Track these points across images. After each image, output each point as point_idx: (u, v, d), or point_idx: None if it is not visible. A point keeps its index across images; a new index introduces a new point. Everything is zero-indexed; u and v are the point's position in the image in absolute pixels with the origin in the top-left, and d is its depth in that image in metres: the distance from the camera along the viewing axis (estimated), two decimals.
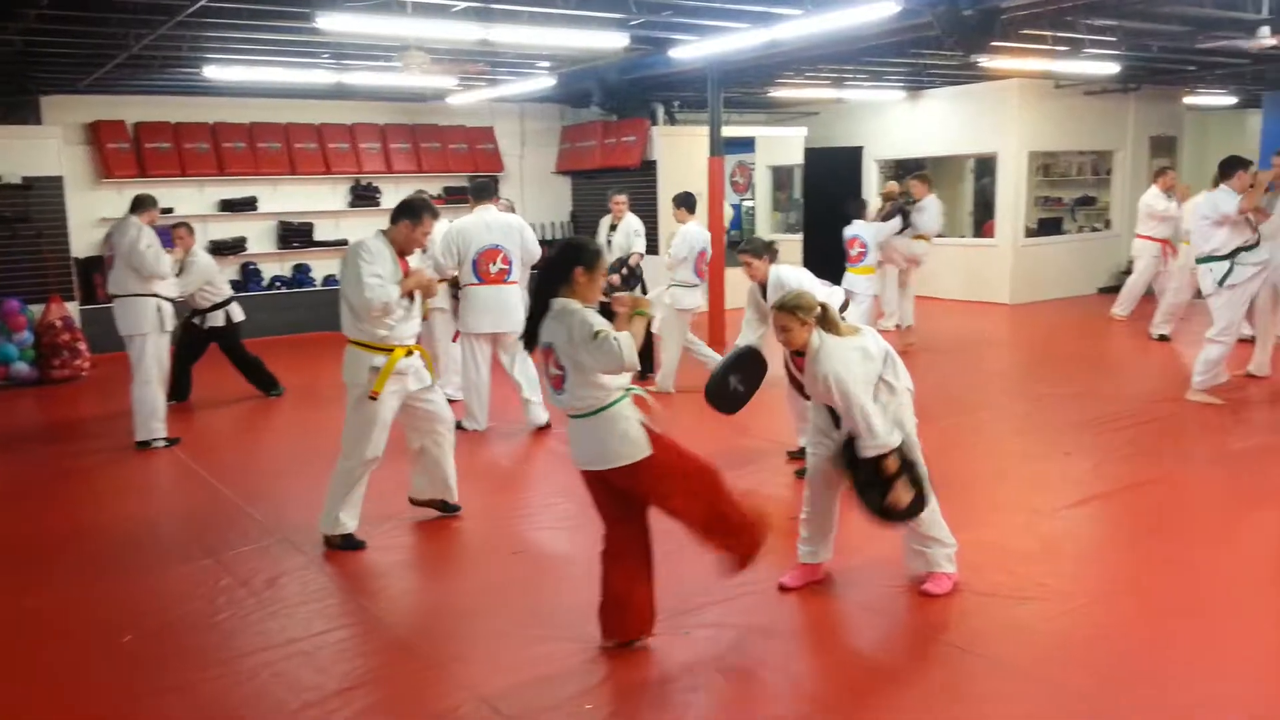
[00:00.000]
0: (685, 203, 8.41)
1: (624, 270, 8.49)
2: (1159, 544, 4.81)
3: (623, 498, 3.66)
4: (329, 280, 12.46)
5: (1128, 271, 13.19)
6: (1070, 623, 3.96)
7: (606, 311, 3.59)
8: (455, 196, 12.40)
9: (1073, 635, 3.86)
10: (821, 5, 7.26)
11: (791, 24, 7.42)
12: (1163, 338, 10.07)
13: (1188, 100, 14.40)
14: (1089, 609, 4.08)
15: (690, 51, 8.56)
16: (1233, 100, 14.51)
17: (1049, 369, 9.28)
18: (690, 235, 8.20)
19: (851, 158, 14.81)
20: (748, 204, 17.56)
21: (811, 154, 14.77)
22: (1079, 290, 13.69)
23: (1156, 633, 3.85)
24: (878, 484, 3.97)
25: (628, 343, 3.40)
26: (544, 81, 10.95)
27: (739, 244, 6.63)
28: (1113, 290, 13.61)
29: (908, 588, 4.24)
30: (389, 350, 4.77)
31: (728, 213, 16.46)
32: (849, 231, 9.43)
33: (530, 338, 3.64)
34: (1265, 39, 8.65)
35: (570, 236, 3.89)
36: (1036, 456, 6.33)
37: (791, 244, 14.37)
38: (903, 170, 14.72)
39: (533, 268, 6.95)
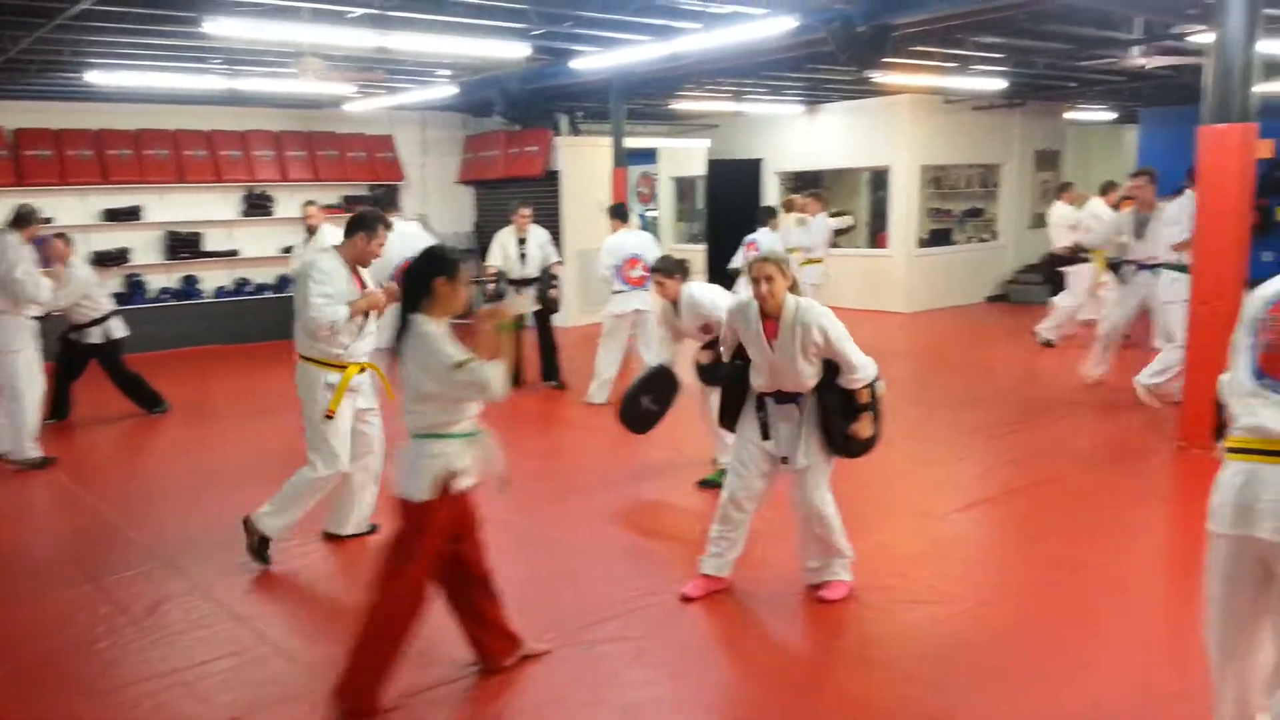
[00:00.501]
0: (616, 213, 8.47)
1: (554, 281, 8.52)
2: (1046, 546, 4.97)
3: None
4: (219, 292, 12.09)
5: (1014, 281, 13.73)
6: (960, 625, 4.06)
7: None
8: (358, 206, 12.15)
9: (963, 638, 3.96)
10: (720, 20, 7.36)
11: (691, 38, 7.51)
12: (1047, 343, 10.42)
13: (1070, 116, 15.04)
14: (978, 611, 4.19)
15: (592, 63, 8.58)
16: (1112, 116, 15.20)
17: (942, 376, 9.56)
18: (613, 245, 8.24)
19: (752, 170, 15.04)
20: (652, 214, 17.68)
21: (713, 165, 14.95)
22: (969, 299, 14.14)
23: (1044, 635, 3.97)
24: (846, 413, 4.11)
25: (496, 373, 3.24)
26: (445, 90, 10.85)
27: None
28: (1000, 299, 14.14)
29: (805, 594, 4.30)
30: (342, 367, 4.72)
31: (635, 222, 16.55)
32: (749, 237, 9.57)
33: (397, 353, 3.42)
34: (1139, 58, 9.09)
35: (430, 245, 3.72)
36: (929, 461, 6.50)
37: (695, 254, 14.54)
38: (801, 183, 15.01)
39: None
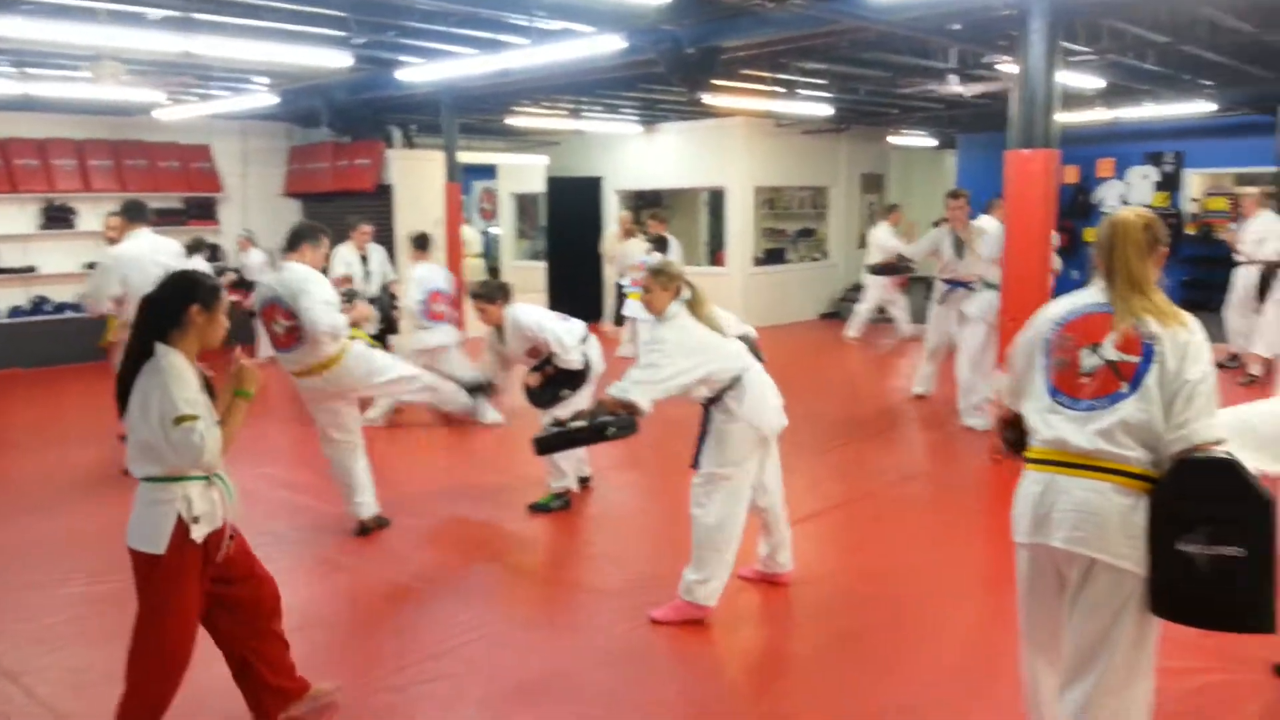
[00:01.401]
0: (420, 244, 8.15)
1: (394, 300, 8.23)
2: (870, 558, 5.06)
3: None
4: (14, 312, 11.14)
5: (844, 299, 14.20)
6: (789, 642, 4.07)
7: None
8: (169, 219, 11.50)
9: (793, 655, 3.96)
10: (549, 36, 7.27)
11: (519, 53, 7.38)
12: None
13: (893, 140, 15.69)
14: (807, 627, 4.21)
15: (418, 74, 8.32)
16: (933, 142, 15.93)
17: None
18: (422, 277, 7.93)
19: (592, 188, 15.03)
20: (494, 231, 17.45)
21: (554, 183, 14.86)
22: (803, 315, 14.53)
23: (868, 647, 3.99)
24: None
25: (213, 441, 2.90)
26: (265, 99, 10.34)
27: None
28: (833, 316, 14.58)
29: (639, 622, 4.20)
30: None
31: (476, 239, 16.31)
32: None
33: (123, 394, 2.98)
34: (953, 86, 9.53)
35: (183, 270, 3.28)
36: None
37: (536, 271, 14.43)
38: (642, 201, 15.10)
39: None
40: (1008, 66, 8.18)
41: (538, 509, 5.78)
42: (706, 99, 10.44)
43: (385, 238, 11.64)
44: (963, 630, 4.24)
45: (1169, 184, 13.61)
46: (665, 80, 8.66)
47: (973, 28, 7.55)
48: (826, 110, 11.77)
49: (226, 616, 3.19)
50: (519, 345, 5.62)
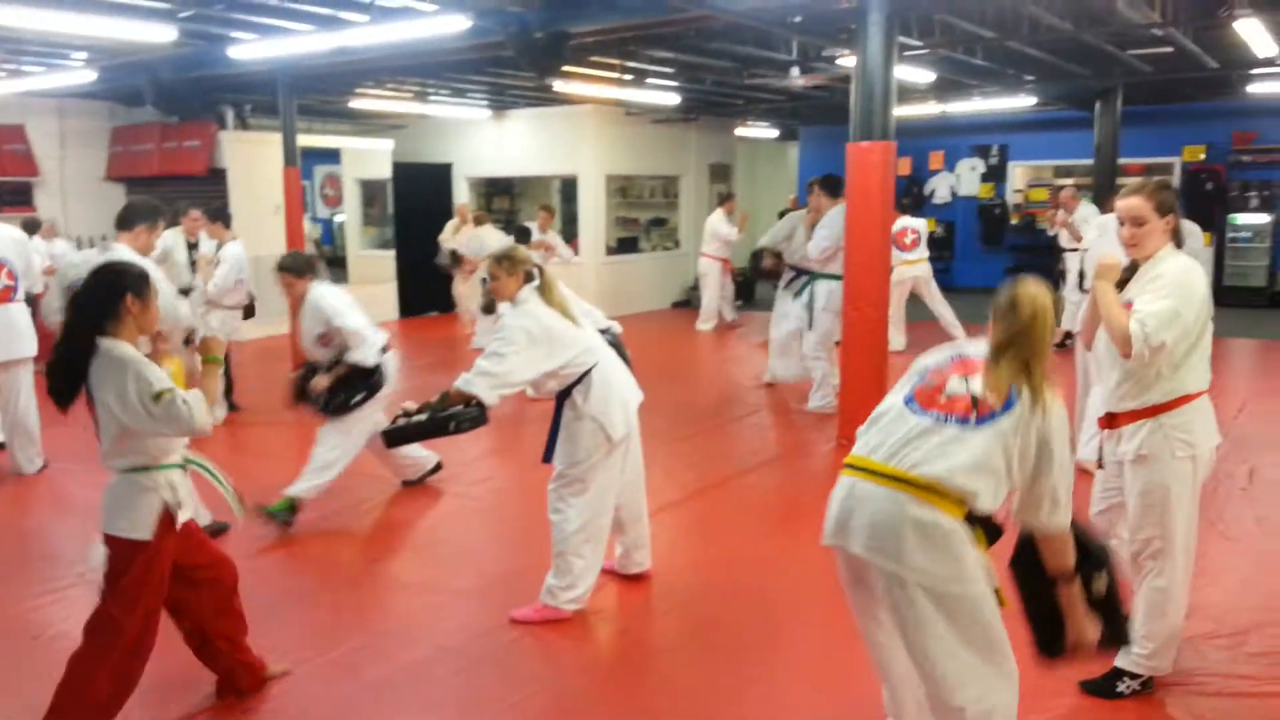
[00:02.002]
0: (222, 219, 7.77)
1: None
2: (726, 546, 5.08)
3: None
4: None
5: (695, 288, 14.39)
6: (652, 635, 4.07)
7: None
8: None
9: (656, 648, 3.96)
10: (390, 14, 7.03)
11: (359, 31, 7.11)
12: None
13: (739, 132, 15.97)
14: (668, 620, 4.20)
15: (251, 52, 7.91)
16: (776, 133, 16.31)
17: None
18: (234, 257, 7.54)
19: (441, 174, 14.69)
20: (339, 218, 16.85)
21: (401, 169, 14.42)
22: (656, 304, 14.63)
23: (732, 637, 4.00)
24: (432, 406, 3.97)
25: (198, 404, 2.99)
26: (83, 75, 9.64)
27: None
28: (684, 305, 14.73)
29: (503, 623, 4.10)
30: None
31: (311, 229, 15.68)
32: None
33: (71, 389, 2.99)
34: (796, 79, 9.74)
35: (107, 261, 3.22)
36: None
37: (385, 260, 14.02)
38: (493, 189, 14.86)
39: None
40: (847, 60, 8.41)
41: (272, 515, 5.21)
42: (556, 85, 10.34)
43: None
44: (821, 615, 4.29)
45: (994, 175, 14.38)
46: (514, 65, 8.54)
47: (813, 20, 7.71)
48: (674, 100, 11.86)
49: (191, 593, 3.26)
50: (312, 328, 5.25)
